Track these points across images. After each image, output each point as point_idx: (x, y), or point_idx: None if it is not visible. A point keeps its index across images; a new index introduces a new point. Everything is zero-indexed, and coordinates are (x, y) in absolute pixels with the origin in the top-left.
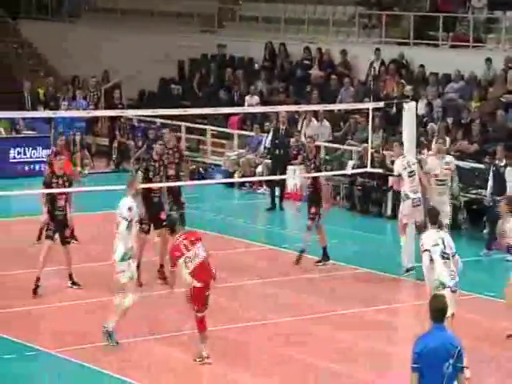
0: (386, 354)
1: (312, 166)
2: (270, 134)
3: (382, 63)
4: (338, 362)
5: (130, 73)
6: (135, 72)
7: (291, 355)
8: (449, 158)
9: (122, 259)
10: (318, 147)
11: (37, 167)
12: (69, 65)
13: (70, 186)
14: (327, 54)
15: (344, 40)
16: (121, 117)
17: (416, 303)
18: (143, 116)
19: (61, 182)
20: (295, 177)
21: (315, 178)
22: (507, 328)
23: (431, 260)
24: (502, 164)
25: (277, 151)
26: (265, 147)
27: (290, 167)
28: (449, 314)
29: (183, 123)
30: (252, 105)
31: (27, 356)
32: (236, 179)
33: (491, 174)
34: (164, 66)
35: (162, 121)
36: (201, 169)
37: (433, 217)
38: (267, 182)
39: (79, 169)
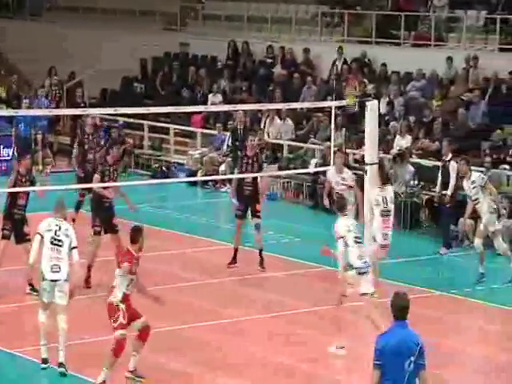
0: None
1: (255, 164)
2: (229, 133)
3: (345, 62)
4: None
5: (93, 71)
6: (97, 70)
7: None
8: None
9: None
10: (260, 147)
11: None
12: (31, 63)
13: (32, 185)
14: (290, 52)
15: (306, 39)
16: (82, 116)
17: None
18: (105, 114)
19: (24, 180)
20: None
21: (255, 177)
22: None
23: (346, 246)
24: (448, 159)
25: (237, 152)
26: (228, 146)
27: None
28: (364, 291)
29: (146, 122)
30: (215, 103)
31: None
32: (199, 178)
33: (440, 170)
34: (126, 64)
35: (125, 119)
36: (163, 167)
37: (341, 206)
38: (230, 181)
39: (40, 168)
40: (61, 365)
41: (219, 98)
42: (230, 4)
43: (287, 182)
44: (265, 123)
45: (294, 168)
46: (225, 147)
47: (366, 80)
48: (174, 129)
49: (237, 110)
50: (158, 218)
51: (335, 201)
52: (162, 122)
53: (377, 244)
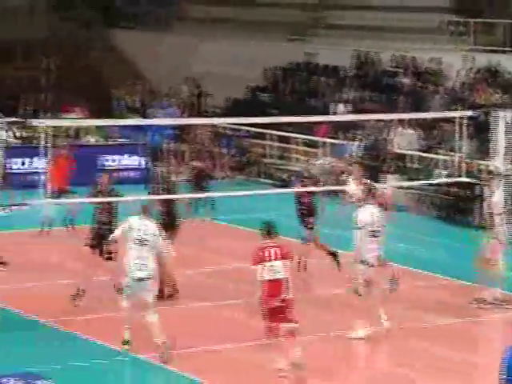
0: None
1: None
2: (357, 142)
3: (472, 71)
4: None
5: (219, 81)
6: (224, 80)
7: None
8: None
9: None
10: None
11: (131, 174)
12: (159, 73)
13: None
14: (415, 61)
15: (432, 47)
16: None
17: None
18: (230, 124)
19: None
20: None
21: None
22: None
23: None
24: None
25: (367, 161)
26: (352, 155)
27: (382, 176)
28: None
29: (270, 131)
30: (340, 113)
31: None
32: (322, 188)
33: None
34: (252, 73)
35: (249, 129)
36: (287, 176)
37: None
38: None
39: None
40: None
41: (344, 107)
42: (356, 13)
43: (414, 194)
44: (390, 133)
45: (421, 179)
46: (349, 156)
47: (493, 89)
48: (299, 138)
49: (362, 120)
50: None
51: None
52: (287, 131)
53: None
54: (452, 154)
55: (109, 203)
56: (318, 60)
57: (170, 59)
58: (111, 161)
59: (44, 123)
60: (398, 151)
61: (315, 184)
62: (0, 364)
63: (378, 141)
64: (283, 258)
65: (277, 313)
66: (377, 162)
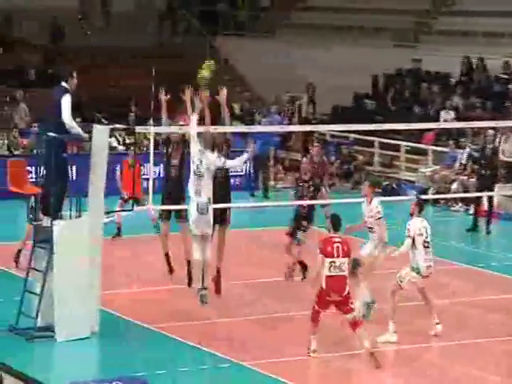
0: None
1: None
2: (467, 150)
3: None
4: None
5: (324, 88)
6: (329, 86)
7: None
8: None
9: None
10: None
11: (232, 181)
12: (264, 80)
13: None
14: None
15: None
16: (314, 132)
17: None
18: (336, 131)
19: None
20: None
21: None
22: None
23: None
24: None
25: (483, 171)
26: (461, 163)
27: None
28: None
29: (376, 138)
30: (447, 120)
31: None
32: (430, 196)
33: None
34: (358, 80)
35: (355, 136)
36: (394, 185)
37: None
38: (465, 200)
39: (272, 183)
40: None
41: (452, 114)
42: (464, 19)
43: None
44: (499, 141)
45: None
46: (457, 165)
47: None
48: (405, 146)
49: (471, 128)
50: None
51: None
52: (393, 138)
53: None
54: None
55: None
56: (425, 66)
57: (276, 66)
58: None
59: (148, 130)
60: (506, 159)
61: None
62: (106, 368)
63: (487, 149)
64: (346, 255)
65: (332, 304)
66: (487, 171)
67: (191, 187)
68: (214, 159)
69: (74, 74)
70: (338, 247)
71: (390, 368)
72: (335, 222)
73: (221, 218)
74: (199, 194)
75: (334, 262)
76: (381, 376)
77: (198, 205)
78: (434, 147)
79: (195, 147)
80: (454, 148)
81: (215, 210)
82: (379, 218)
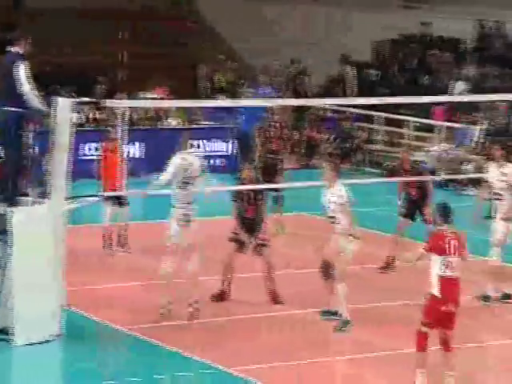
0: None
1: None
2: (479, 126)
3: None
4: None
5: (319, 56)
6: (324, 55)
7: None
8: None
9: None
10: None
11: (217, 161)
12: (252, 49)
13: None
14: None
15: None
16: (309, 107)
17: None
18: (333, 105)
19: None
20: None
21: None
22: None
23: None
24: None
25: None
26: (475, 142)
27: None
28: None
29: (380, 113)
30: (460, 93)
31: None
32: (440, 177)
33: None
34: (358, 47)
35: (356, 111)
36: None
37: None
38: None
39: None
40: None
41: (465, 85)
42: None
43: None
44: None
45: None
46: (470, 143)
47: None
48: (413, 122)
49: (486, 101)
50: (388, 222)
51: None
52: (399, 113)
53: None
54: None
55: None
56: (436, 31)
57: (264, 33)
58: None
59: (120, 104)
60: None
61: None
62: (71, 376)
63: (505, 124)
64: (460, 253)
65: (444, 319)
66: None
67: None
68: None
69: (29, 39)
70: (450, 243)
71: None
72: (445, 214)
73: None
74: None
75: (449, 261)
76: None
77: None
78: (445, 123)
79: None
80: (467, 124)
81: None
82: (343, 204)
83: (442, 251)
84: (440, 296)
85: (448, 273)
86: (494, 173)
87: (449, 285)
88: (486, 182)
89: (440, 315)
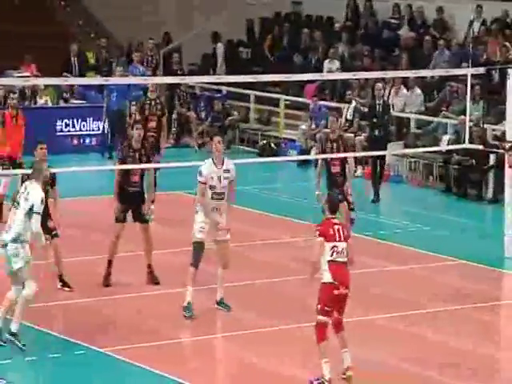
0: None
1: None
2: (353, 105)
3: (483, 23)
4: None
5: (192, 34)
6: (197, 32)
7: None
8: None
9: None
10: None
11: (87, 141)
12: (123, 26)
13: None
14: (419, 12)
15: None
16: (180, 84)
17: None
18: (206, 83)
19: (137, 156)
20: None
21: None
22: None
23: None
24: None
25: (376, 132)
26: (346, 119)
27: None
28: None
29: (252, 92)
30: (331, 71)
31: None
32: (312, 156)
33: None
34: (230, 26)
35: (229, 89)
36: (272, 144)
37: None
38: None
39: None
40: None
41: (336, 64)
42: None
43: (415, 162)
44: (389, 94)
45: (423, 146)
46: (343, 120)
47: (508, 44)
48: (285, 100)
49: (358, 79)
50: (265, 201)
51: None
52: (271, 92)
53: None
54: (463, 117)
55: None
56: (307, 10)
57: (136, 9)
58: (66, 126)
59: None
60: (398, 114)
61: None
62: None
63: (377, 105)
64: (346, 239)
65: (338, 302)
66: (381, 131)
67: None
68: None
69: None
70: (339, 230)
71: None
72: (333, 204)
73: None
74: None
75: (338, 247)
76: None
77: None
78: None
79: None
80: (315, 100)
81: None
82: (232, 180)
83: (331, 238)
84: (332, 280)
85: (338, 258)
86: None
87: (339, 269)
88: None
89: (334, 299)
